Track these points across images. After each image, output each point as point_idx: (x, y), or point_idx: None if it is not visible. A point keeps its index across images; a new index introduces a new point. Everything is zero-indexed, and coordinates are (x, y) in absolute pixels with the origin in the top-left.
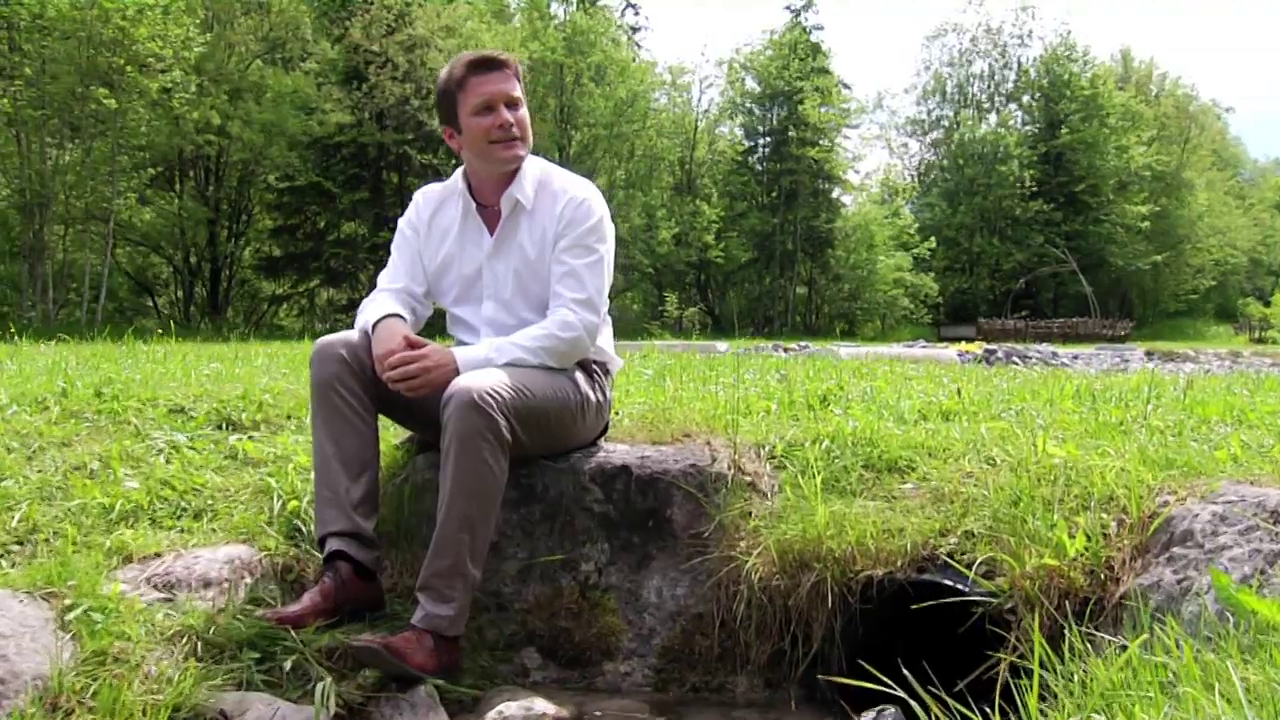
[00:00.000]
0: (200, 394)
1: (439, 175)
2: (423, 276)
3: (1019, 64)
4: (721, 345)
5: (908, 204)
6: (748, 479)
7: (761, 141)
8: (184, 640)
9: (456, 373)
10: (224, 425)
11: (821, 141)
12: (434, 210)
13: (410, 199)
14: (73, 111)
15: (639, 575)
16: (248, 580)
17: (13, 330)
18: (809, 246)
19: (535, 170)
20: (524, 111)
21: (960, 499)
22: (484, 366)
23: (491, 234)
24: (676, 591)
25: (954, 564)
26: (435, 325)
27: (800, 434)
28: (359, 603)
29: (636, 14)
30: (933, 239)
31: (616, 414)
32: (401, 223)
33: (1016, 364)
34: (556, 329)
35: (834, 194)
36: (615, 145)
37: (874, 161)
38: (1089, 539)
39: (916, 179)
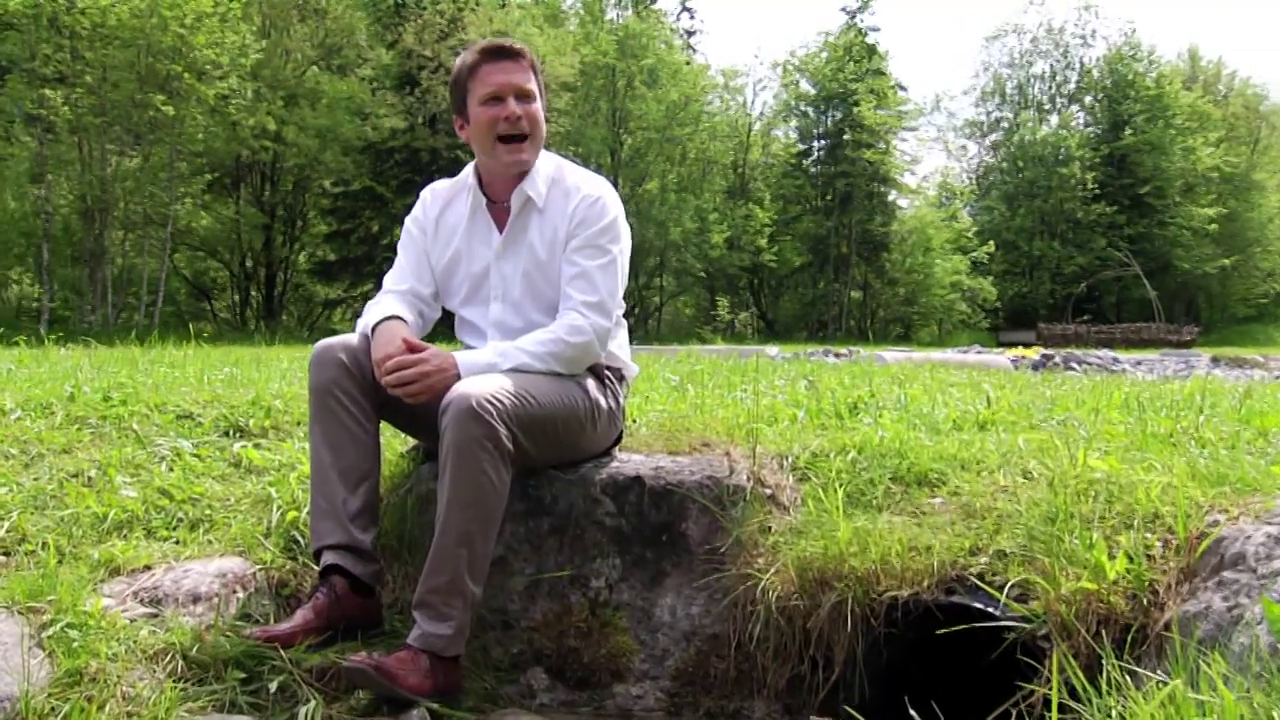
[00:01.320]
0: (211, 399)
1: None
2: (430, 277)
3: (1081, 64)
4: (772, 350)
5: (966, 207)
6: (768, 491)
7: (816, 144)
8: (166, 659)
9: (458, 378)
10: (231, 432)
11: (877, 144)
12: (442, 207)
13: None
14: (132, 119)
15: (652, 593)
16: (240, 595)
17: (45, 334)
18: (864, 250)
19: (549, 166)
20: (536, 106)
21: (993, 515)
22: (487, 372)
23: (501, 232)
24: (691, 610)
25: (983, 586)
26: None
27: (826, 444)
28: (355, 620)
29: (692, 17)
30: (991, 242)
31: (633, 422)
32: (408, 221)
33: (1074, 370)
34: (565, 333)
35: (890, 197)
36: (667, 149)
37: (931, 164)
38: (1131, 560)
39: (975, 182)
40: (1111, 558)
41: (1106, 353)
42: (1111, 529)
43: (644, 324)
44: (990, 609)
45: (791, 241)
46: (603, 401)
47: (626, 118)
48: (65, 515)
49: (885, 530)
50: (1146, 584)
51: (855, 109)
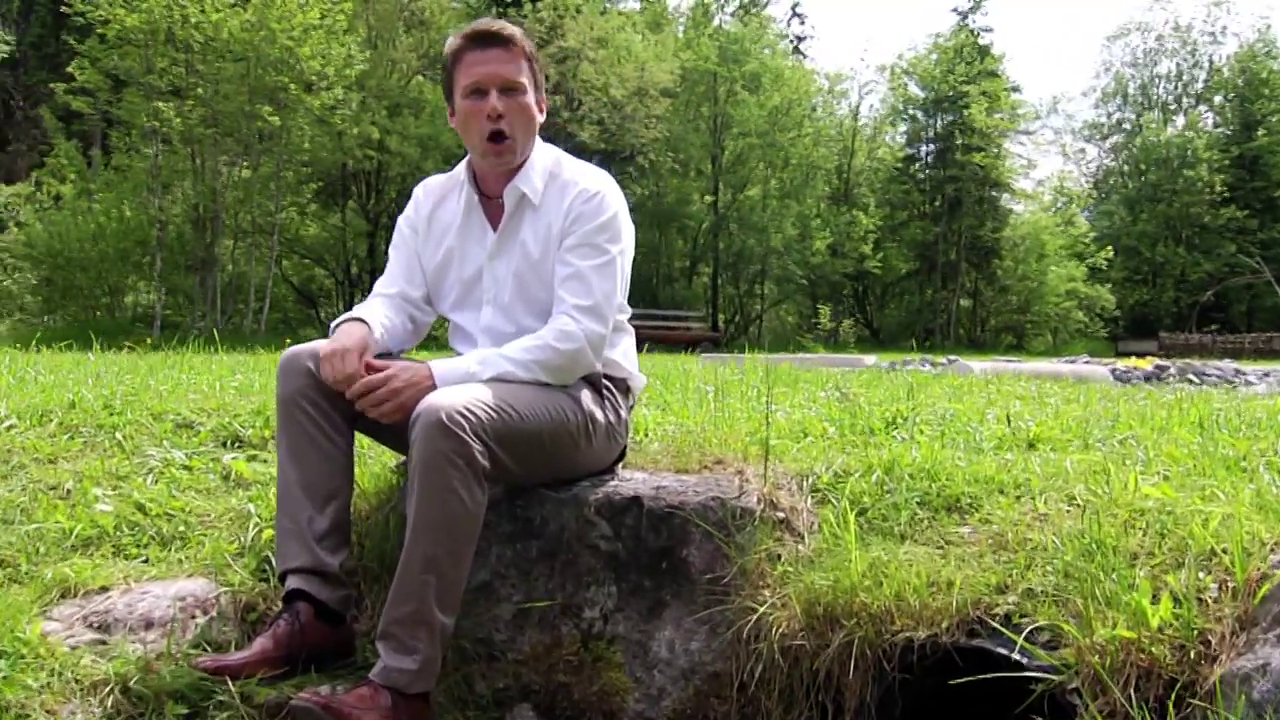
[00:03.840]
0: (217, 408)
1: None
2: (421, 279)
3: (1210, 63)
4: (869, 359)
5: (1083, 212)
6: (781, 515)
7: (925, 148)
8: (104, 691)
9: (433, 388)
10: (229, 442)
11: (989, 148)
12: (435, 205)
13: None
14: (242, 130)
15: (649, 625)
16: (199, 620)
17: (155, 340)
18: (974, 257)
19: (546, 159)
20: (526, 99)
21: (1027, 547)
22: (465, 381)
23: (495, 230)
24: (691, 645)
25: (1001, 629)
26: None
27: (851, 463)
28: (321, 650)
29: (802, 23)
30: (1110, 248)
31: (644, 436)
32: (400, 220)
33: (1191, 382)
34: (553, 339)
35: (1002, 201)
36: (769, 154)
37: (1048, 168)
38: (1179, 604)
39: (1093, 185)
40: (1155, 601)
41: (1229, 364)
42: (1159, 567)
43: (744, 332)
44: (1016, 656)
45: (897, 248)
46: (599, 414)
47: (728, 123)
48: (30, 530)
49: (904, 562)
50: (1195, 633)
51: (966, 112)
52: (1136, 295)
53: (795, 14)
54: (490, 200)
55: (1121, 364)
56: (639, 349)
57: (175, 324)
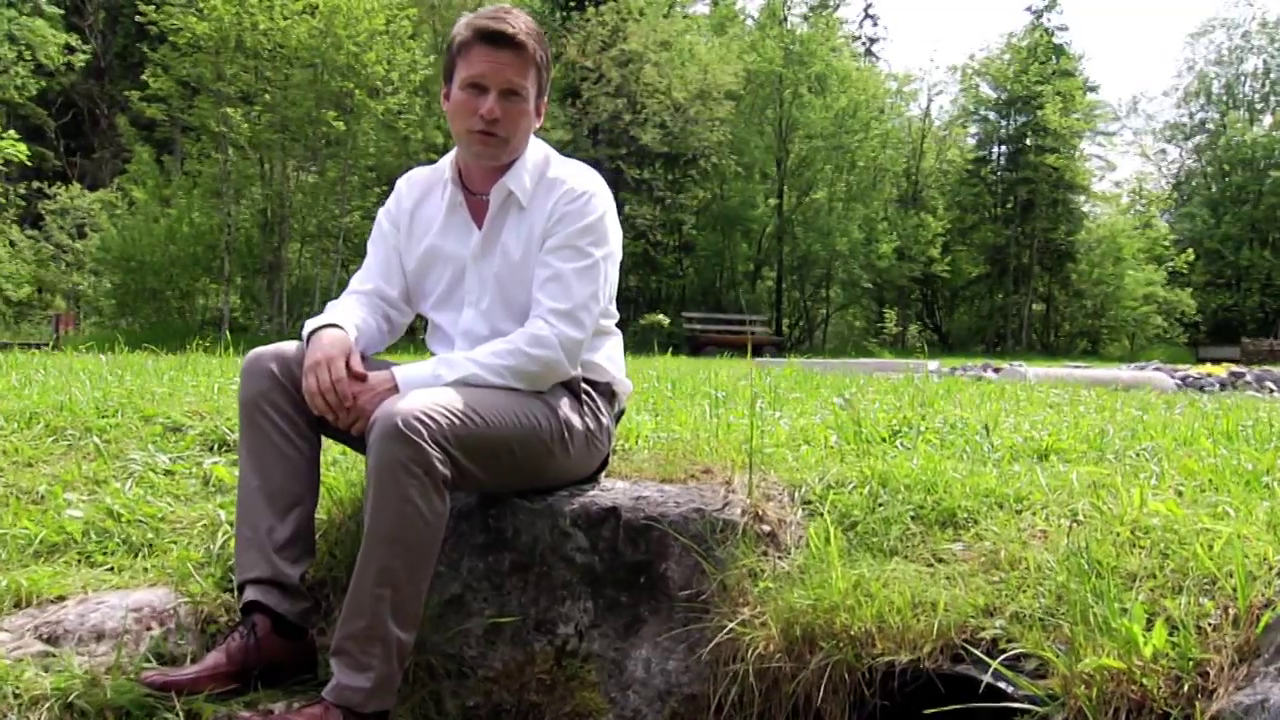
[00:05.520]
0: (211, 411)
1: (651, 191)
2: (399, 277)
3: None
4: (931, 364)
5: (1163, 214)
6: (767, 529)
7: (996, 150)
8: (45, 706)
9: (394, 392)
10: (215, 446)
11: (1063, 149)
12: (418, 199)
13: (621, 216)
14: (308, 135)
15: (626, 643)
16: (154, 632)
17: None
18: (1047, 260)
19: (536, 157)
20: (524, 106)
21: (1019, 567)
22: (430, 385)
23: (480, 228)
24: (668, 665)
25: (982, 657)
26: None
27: (847, 473)
28: (278, 664)
29: (875, 24)
30: (1190, 251)
31: (634, 443)
32: (380, 214)
33: (1270, 389)
34: (525, 344)
35: (1078, 202)
36: (835, 157)
37: (1127, 169)
38: (1175, 632)
39: (1174, 187)
40: (1148, 628)
41: None
42: (1159, 590)
43: (809, 336)
44: (1001, 684)
45: (967, 251)
46: (577, 421)
47: (793, 126)
48: None
49: (889, 580)
50: (1191, 664)
51: (1040, 112)
52: (1219, 300)
53: (868, 15)
54: (475, 197)
55: (1194, 370)
56: (701, 352)
57: (244, 327)
